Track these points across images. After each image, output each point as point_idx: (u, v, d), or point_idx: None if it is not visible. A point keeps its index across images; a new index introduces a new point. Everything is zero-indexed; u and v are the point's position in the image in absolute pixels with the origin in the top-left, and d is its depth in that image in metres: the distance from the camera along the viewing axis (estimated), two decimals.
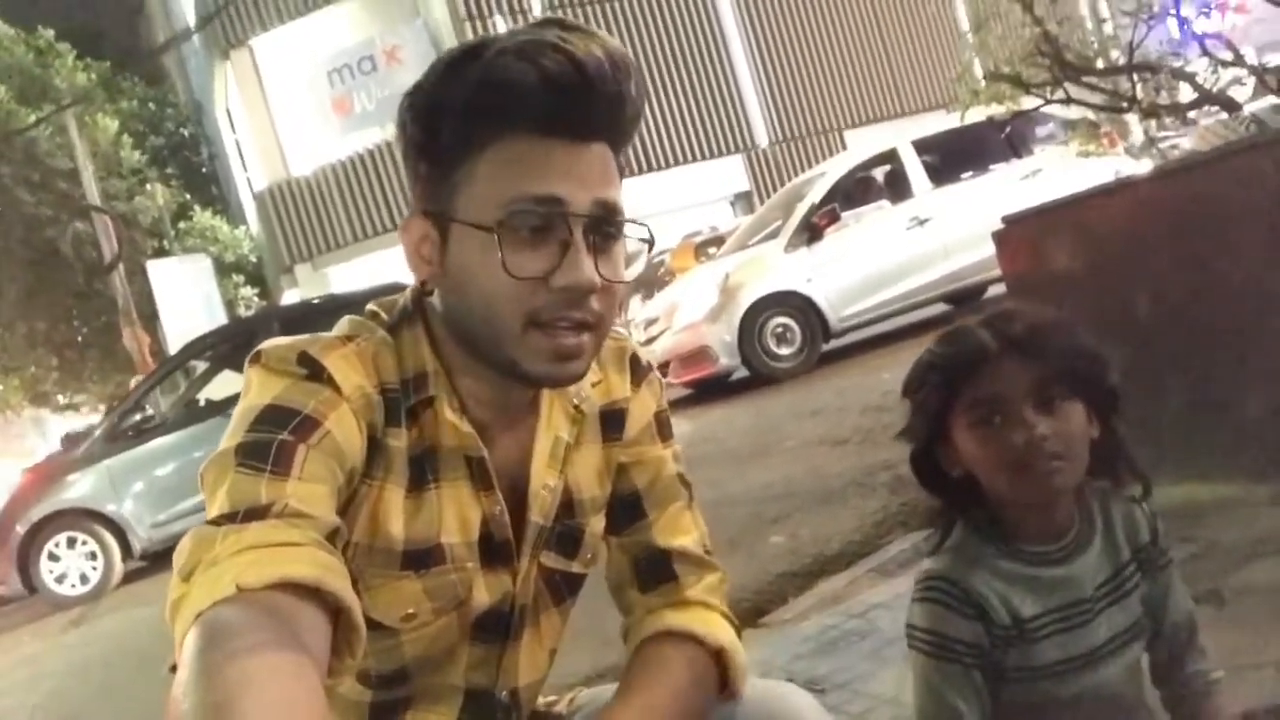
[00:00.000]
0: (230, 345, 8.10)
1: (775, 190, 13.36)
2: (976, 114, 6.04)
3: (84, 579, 7.23)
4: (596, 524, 0.99)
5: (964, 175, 7.83)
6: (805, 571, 2.91)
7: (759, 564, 3.01)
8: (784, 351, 7.36)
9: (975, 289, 7.78)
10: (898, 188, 7.82)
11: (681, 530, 0.99)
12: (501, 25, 17.37)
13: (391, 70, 18.01)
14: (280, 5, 18.25)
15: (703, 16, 19.21)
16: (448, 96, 0.82)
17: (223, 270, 18.22)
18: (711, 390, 7.72)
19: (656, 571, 0.98)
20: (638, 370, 1.01)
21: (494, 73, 0.79)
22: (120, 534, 7.25)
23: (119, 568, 7.29)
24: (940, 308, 7.92)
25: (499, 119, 0.80)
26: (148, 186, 18.55)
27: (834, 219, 7.49)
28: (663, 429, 1.02)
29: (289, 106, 18.65)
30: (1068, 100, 5.41)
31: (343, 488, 0.81)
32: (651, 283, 10.94)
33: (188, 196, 20.06)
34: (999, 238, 3.05)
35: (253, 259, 20.15)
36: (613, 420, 0.99)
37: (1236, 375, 2.49)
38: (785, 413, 5.86)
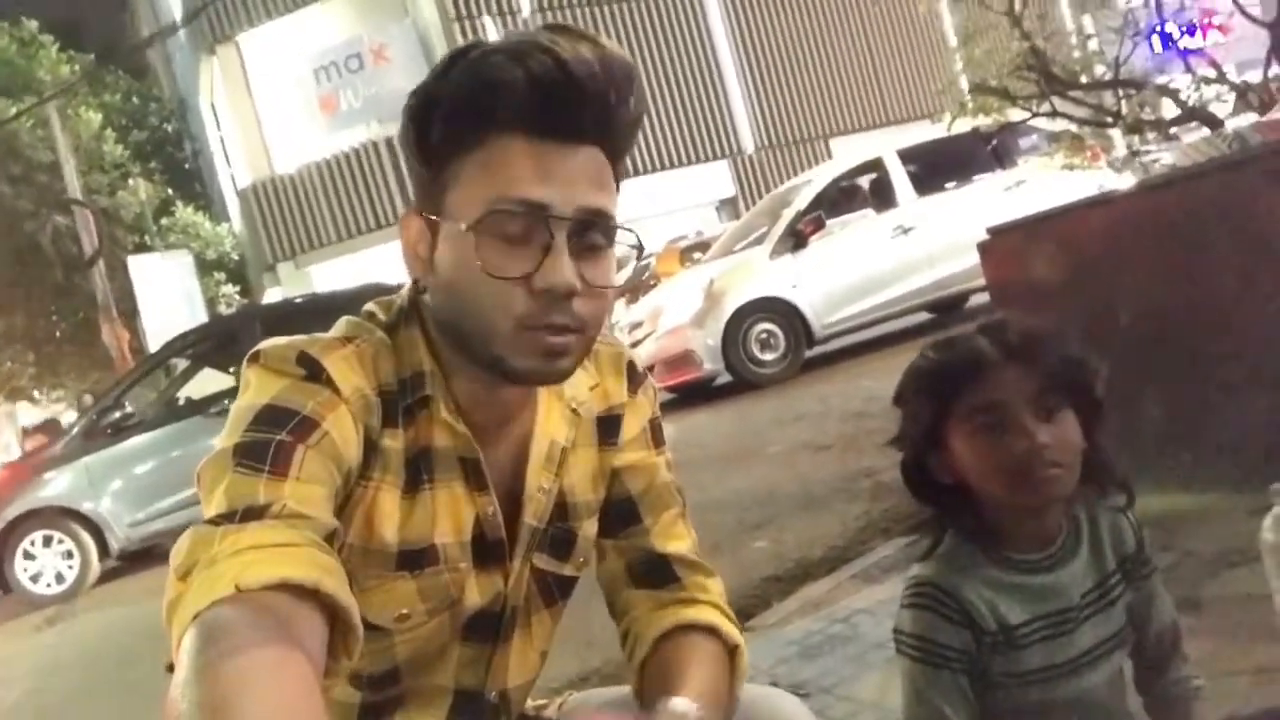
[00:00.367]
0: (211, 343, 8.04)
1: (761, 196, 13.41)
2: (962, 125, 6.09)
3: (60, 578, 7.13)
4: (589, 528, 0.99)
5: (948, 185, 7.90)
6: (789, 576, 2.92)
7: (742, 569, 3.02)
8: (768, 357, 7.39)
9: (958, 298, 7.85)
10: (883, 196, 7.88)
11: (677, 536, 1.00)
12: (490, 25, 17.36)
13: (379, 69, 17.95)
14: (268, 2, 18.16)
15: (691, 23, 19.27)
16: (438, 96, 0.82)
17: (204, 267, 18.10)
18: (695, 395, 7.74)
19: (658, 573, 0.98)
20: (634, 376, 1.02)
21: (481, 72, 0.80)
22: (98, 533, 7.16)
23: (96, 567, 7.20)
24: (923, 316, 7.98)
25: (486, 119, 0.80)
26: (130, 181, 18.41)
27: (819, 226, 7.55)
28: (656, 436, 1.03)
29: (275, 103, 18.55)
30: (1053, 113, 5.47)
31: (340, 489, 0.81)
32: (637, 287, 10.95)
33: (170, 192, 19.91)
34: (984, 248, 3.08)
35: (235, 256, 20.02)
36: (609, 425, 1.00)
37: (1216, 387, 2.52)
38: (768, 418, 5.88)
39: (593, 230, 0.83)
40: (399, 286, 0.95)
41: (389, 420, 0.86)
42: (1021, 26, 5.27)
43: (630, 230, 0.86)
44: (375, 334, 0.89)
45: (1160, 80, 5.11)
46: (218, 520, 0.73)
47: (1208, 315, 2.52)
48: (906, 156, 7.91)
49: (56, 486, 7.22)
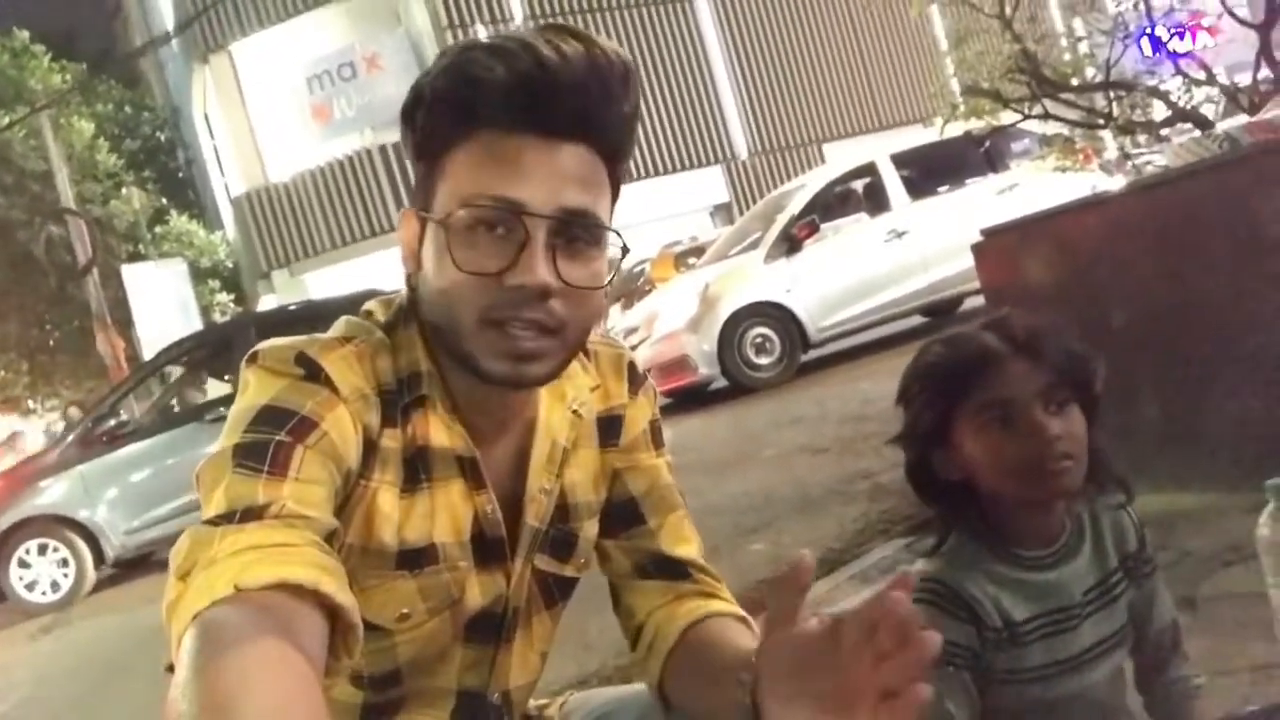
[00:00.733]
0: (206, 351, 8.03)
1: (755, 202, 13.43)
2: (954, 129, 6.11)
3: (55, 586, 7.11)
4: (590, 529, 0.99)
5: (941, 189, 7.92)
6: None
7: (740, 572, 3.02)
8: (763, 361, 7.40)
9: (952, 301, 7.87)
10: (876, 200, 7.90)
11: (685, 539, 1.00)
12: (483, 34, 17.32)
13: (372, 77, 17.95)
14: (261, 11, 18.16)
15: (684, 29, 19.31)
16: (425, 94, 0.83)
17: (199, 275, 18.05)
18: (690, 400, 7.74)
19: (672, 569, 0.98)
20: (635, 378, 1.02)
21: (462, 69, 0.80)
22: (93, 540, 7.13)
23: (91, 575, 7.18)
24: (918, 319, 7.99)
25: (469, 115, 0.81)
26: (123, 190, 18.37)
27: (813, 231, 7.56)
28: (656, 438, 1.03)
29: (268, 112, 18.54)
30: (1045, 116, 5.49)
31: (339, 489, 0.81)
32: (631, 292, 10.95)
33: (164, 201, 19.86)
34: (977, 250, 3.09)
35: (229, 264, 19.97)
36: (610, 426, 1.00)
37: (1210, 387, 2.53)
38: (765, 422, 5.88)
39: (573, 228, 0.81)
40: (393, 294, 0.95)
41: (387, 420, 0.86)
42: (1012, 29, 5.30)
43: (614, 231, 0.85)
44: (374, 334, 0.89)
45: (1151, 82, 5.14)
46: (217, 520, 0.73)
47: (1202, 315, 2.53)
48: (900, 161, 7.93)
49: (52, 494, 7.20)
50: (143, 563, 7.62)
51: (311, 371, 0.83)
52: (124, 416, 7.71)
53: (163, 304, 14.80)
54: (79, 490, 7.18)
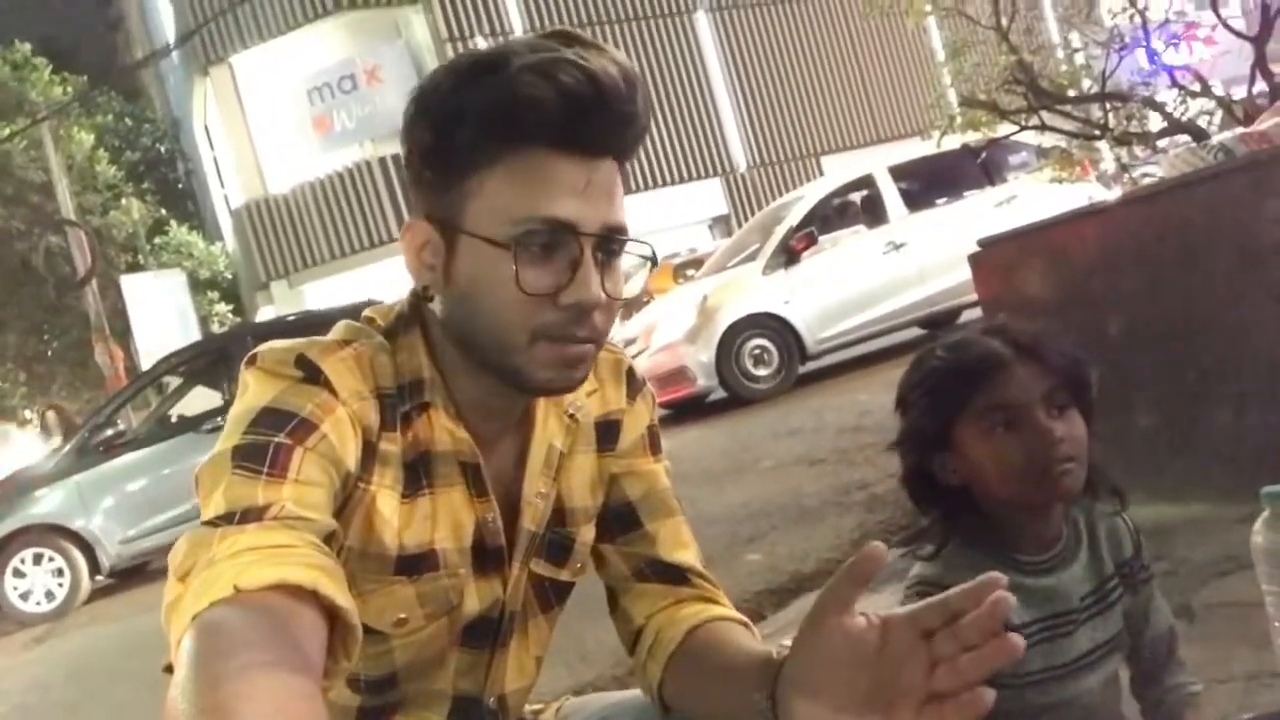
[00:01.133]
0: (204, 361, 8.02)
1: (753, 214, 13.47)
2: (952, 141, 6.13)
3: (50, 596, 7.09)
4: (587, 533, 0.99)
5: (939, 201, 7.95)
6: (782, 589, 2.92)
7: (736, 581, 3.01)
8: (761, 373, 7.41)
9: (950, 313, 7.88)
10: (874, 213, 7.92)
11: (683, 544, 0.99)
12: (482, 46, 17.39)
13: (372, 90, 18.01)
14: (261, 23, 18.22)
15: (683, 43, 19.40)
16: (466, 106, 0.80)
17: (197, 286, 18.09)
18: (688, 411, 7.74)
19: (672, 574, 0.98)
20: (633, 383, 1.03)
21: (516, 89, 0.78)
22: (89, 550, 7.12)
23: (86, 585, 7.15)
24: (916, 331, 8.00)
25: (516, 133, 0.80)
26: (123, 201, 18.42)
27: (811, 242, 7.58)
28: (654, 443, 1.03)
29: (268, 124, 18.58)
30: (1042, 127, 5.51)
31: (338, 492, 0.81)
32: (630, 303, 10.97)
33: (163, 212, 19.92)
34: (974, 261, 3.10)
35: (228, 275, 20.01)
36: (607, 431, 1.00)
37: (1205, 397, 2.54)
38: (762, 433, 5.88)
39: (611, 243, 0.83)
40: (393, 304, 0.95)
41: (387, 423, 0.86)
42: (1009, 40, 5.32)
43: (645, 242, 0.87)
44: (373, 338, 0.89)
45: (1147, 94, 5.15)
46: (216, 522, 0.73)
47: (1197, 325, 2.53)
48: (897, 173, 7.97)
49: (47, 504, 7.18)
50: (138, 572, 7.60)
51: (311, 374, 0.83)
52: (121, 426, 7.70)
53: (161, 314, 14.81)
54: (74, 500, 7.16)
